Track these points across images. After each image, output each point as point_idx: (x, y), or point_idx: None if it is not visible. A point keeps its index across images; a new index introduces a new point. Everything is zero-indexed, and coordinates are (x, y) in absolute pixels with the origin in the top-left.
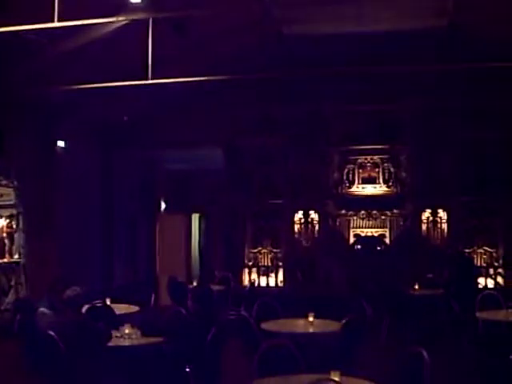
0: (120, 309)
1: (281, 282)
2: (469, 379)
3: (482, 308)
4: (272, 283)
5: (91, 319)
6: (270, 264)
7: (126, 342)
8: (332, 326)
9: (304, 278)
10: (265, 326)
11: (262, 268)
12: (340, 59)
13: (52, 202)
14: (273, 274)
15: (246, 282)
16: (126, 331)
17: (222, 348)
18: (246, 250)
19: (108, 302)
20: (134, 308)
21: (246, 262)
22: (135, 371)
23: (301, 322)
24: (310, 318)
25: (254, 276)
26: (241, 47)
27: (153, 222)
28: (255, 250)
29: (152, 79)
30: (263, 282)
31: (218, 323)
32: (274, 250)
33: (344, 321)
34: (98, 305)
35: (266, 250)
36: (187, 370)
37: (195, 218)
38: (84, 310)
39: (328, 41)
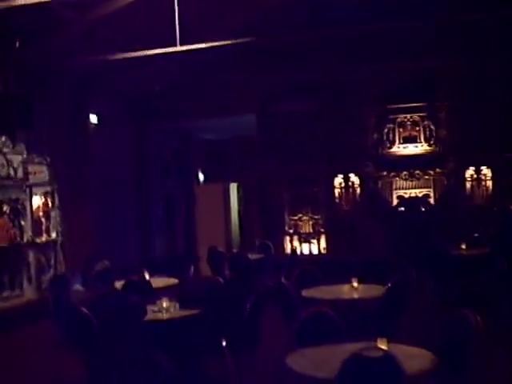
0: (158, 282)
1: (323, 248)
2: None
3: None
4: (314, 250)
5: (128, 293)
6: (311, 231)
7: (164, 316)
8: (377, 290)
9: (347, 243)
10: (305, 293)
11: (303, 235)
12: (371, 17)
13: (86, 177)
14: (315, 241)
15: (288, 250)
16: (164, 305)
17: (260, 317)
18: (286, 218)
19: (146, 276)
20: (173, 281)
21: (286, 229)
22: (174, 345)
23: (344, 287)
24: (354, 284)
25: (296, 244)
26: (267, 11)
27: (190, 193)
28: (295, 217)
29: (181, 46)
30: (305, 249)
31: (256, 292)
32: (315, 217)
33: (389, 285)
34: (135, 279)
35: (306, 217)
36: (223, 343)
37: (233, 187)
38: (120, 284)
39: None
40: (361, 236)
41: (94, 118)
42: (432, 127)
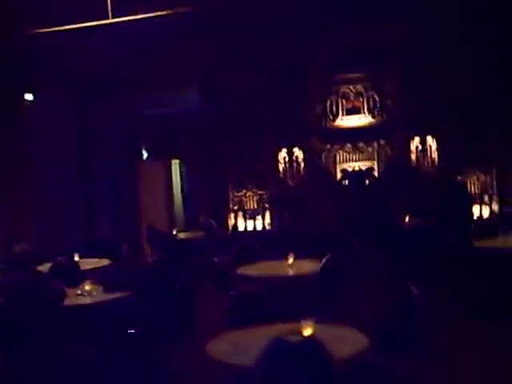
0: (89, 264)
1: (268, 224)
2: (466, 311)
3: (479, 237)
4: (259, 227)
5: (53, 277)
6: (256, 207)
7: (87, 300)
8: (314, 266)
9: (292, 218)
10: (241, 270)
11: (248, 211)
12: None
13: (23, 158)
14: (259, 217)
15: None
16: (86, 288)
17: (190, 299)
18: (231, 194)
19: (76, 258)
20: (105, 262)
21: (231, 206)
22: (97, 330)
23: (280, 264)
24: (290, 260)
25: (241, 220)
26: None
27: (132, 172)
28: (240, 194)
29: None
30: (250, 226)
31: (187, 272)
32: (260, 192)
33: (324, 260)
34: (63, 261)
35: (250, 193)
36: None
37: (175, 164)
38: (47, 267)
39: None
40: (306, 211)
41: (29, 96)
42: (376, 98)
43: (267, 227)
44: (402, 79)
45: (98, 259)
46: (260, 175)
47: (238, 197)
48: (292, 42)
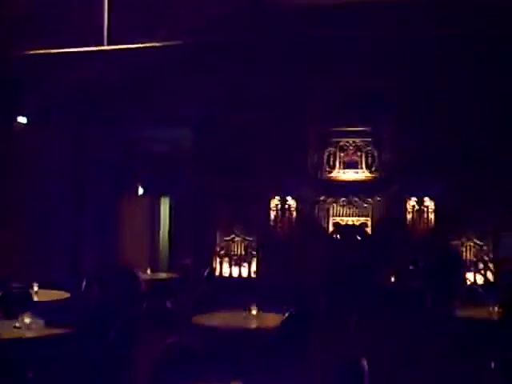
0: (47, 295)
1: (254, 272)
2: None
3: (464, 304)
4: (244, 274)
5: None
6: (243, 253)
7: (28, 334)
8: (276, 320)
9: (279, 267)
10: (197, 319)
11: (235, 257)
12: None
13: (12, 188)
14: (246, 264)
15: (217, 272)
16: (26, 320)
17: (128, 343)
18: (218, 238)
19: (35, 288)
20: (64, 294)
21: (217, 250)
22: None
23: (242, 315)
24: (253, 311)
25: (226, 265)
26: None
27: (117, 207)
28: (228, 238)
29: (108, 45)
30: (235, 272)
31: (127, 316)
32: (248, 238)
33: (285, 315)
34: (16, 289)
35: (239, 238)
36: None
37: (165, 201)
38: None
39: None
40: (294, 261)
41: (22, 119)
42: (375, 154)
43: (252, 275)
44: (402, 136)
45: (59, 291)
46: (250, 221)
47: (225, 241)
48: (293, 88)
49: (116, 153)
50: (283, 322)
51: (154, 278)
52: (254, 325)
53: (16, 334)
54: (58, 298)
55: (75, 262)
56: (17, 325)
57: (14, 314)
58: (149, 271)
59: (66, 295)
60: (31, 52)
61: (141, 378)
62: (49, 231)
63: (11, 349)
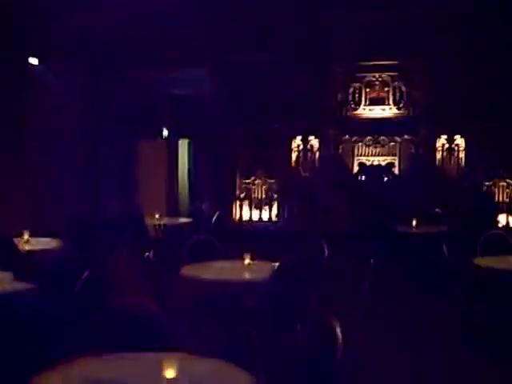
0: (37, 244)
1: (275, 216)
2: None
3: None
4: (266, 217)
5: None
6: (263, 196)
7: None
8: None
9: (301, 212)
10: (185, 270)
11: (255, 200)
12: None
13: (24, 132)
14: (267, 207)
15: (237, 216)
16: None
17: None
18: (238, 181)
19: (26, 236)
20: (54, 243)
21: (237, 193)
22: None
23: (235, 264)
24: (246, 261)
25: (246, 209)
26: None
27: (134, 150)
28: (248, 181)
29: None
30: (255, 216)
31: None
32: (269, 181)
33: (276, 264)
34: None
35: (259, 181)
36: None
37: (183, 143)
38: None
39: None
40: (317, 204)
41: (34, 61)
42: (403, 89)
43: (274, 219)
44: (433, 70)
45: (49, 239)
46: (271, 162)
47: (245, 184)
48: (315, 21)
49: (131, 96)
50: (272, 275)
51: (166, 223)
52: (245, 276)
53: None
54: (47, 247)
55: (91, 209)
56: None
57: None
58: (157, 216)
59: (56, 244)
60: None
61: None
62: (64, 176)
63: None
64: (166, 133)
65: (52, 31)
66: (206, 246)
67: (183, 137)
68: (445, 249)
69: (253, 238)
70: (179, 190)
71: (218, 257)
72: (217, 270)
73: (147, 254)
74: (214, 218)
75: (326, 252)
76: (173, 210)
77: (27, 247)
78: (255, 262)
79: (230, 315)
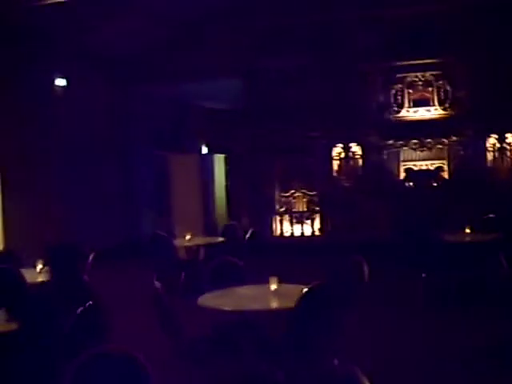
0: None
1: (318, 229)
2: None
3: None
4: (308, 232)
5: None
6: (305, 209)
7: None
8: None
9: (345, 223)
10: (203, 299)
11: (296, 215)
12: None
13: (50, 149)
14: (308, 221)
15: (278, 231)
16: None
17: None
18: (277, 195)
19: (40, 266)
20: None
21: (276, 208)
22: None
23: (260, 290)
24: (272, 286)
25: (287, 224)
26: None
27: (165, 166)
28: (287, 194)
29: None
30: (297, 231)
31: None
32: (309, 193)
33: (305, 289)
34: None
35: (299, 194)
36: None
37: (219, 158)
38: None
39: None
40: (362, 215)
41: (61, 82)
42: (448, 88)
43: (317, 232)
44: (477, 66)
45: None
46: (310, 173)
47: (284, 197)
48: (350, 21)
49: (161, 110)
50: (299, 301)
51: (198, 243)
52: (269, 304)
53: None
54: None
55: (130, 228)
56: None
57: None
58: (188, 237)
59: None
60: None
61: None
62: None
63: None
64: (202, 148)
65: (77, 54)
66: (231, 267)
67: (218, 152)
68: (503, 258)
69: (292, 253)
70: (216, 207)
71: (243, 280)
72: (238, 299)
73: (156, 282)
74: (248, 235)
75: (367, 271)
76: (210, 228)
77: (40, 278)
78: (283, 285)
79: (252, 350)
